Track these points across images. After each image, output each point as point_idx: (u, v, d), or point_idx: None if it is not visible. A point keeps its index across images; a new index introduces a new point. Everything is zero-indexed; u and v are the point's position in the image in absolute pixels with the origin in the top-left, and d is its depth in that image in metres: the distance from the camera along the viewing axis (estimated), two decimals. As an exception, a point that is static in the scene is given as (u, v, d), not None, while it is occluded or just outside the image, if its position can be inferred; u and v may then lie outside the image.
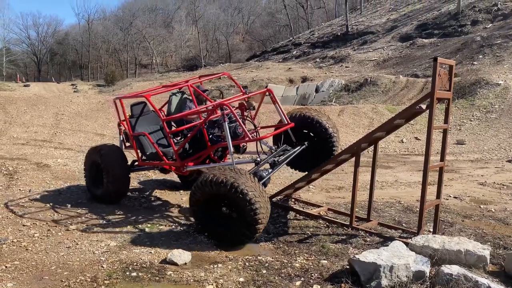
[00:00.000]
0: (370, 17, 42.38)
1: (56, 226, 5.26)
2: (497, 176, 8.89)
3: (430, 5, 38.33)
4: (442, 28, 31.06)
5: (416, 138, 14.55)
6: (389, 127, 5.12)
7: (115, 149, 6.43)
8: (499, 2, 30.34)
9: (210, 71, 37.74)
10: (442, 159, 4.88)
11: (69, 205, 6.17)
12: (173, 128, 6.18)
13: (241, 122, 5.30)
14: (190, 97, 6.34)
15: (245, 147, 5.79)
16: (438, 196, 4.87)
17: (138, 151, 6.16)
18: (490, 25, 28.50)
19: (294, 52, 40.49)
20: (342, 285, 3.61)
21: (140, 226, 5.33)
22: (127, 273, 3.95)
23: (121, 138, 6.67)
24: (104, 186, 6.16)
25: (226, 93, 19.74)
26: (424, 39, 30.26)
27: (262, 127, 5.96)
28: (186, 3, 72.32)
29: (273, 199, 6.17)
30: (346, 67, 30.41)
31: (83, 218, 5.65)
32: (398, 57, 29.28)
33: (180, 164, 5.70)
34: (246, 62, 44.15)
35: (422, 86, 21.08)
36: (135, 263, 4.17)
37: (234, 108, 5.52)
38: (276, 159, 5.33)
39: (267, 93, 5.81)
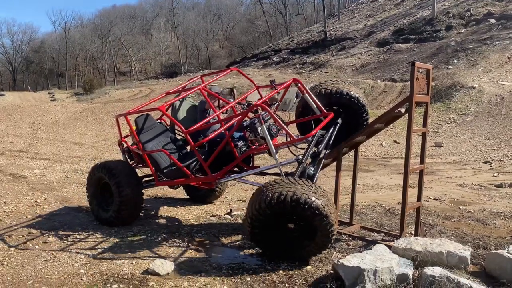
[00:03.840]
0: (348, 23, 43.02)
1: (33, 239, 5.11)
2: (475, 177, 9.08)
3: (406, 11, 39.15)
4: (418, 33, 31.73)
5: (395, 141, 14.77)
6: (369, 131, 5.17)
7: (125, 165, 5.82)
8: (472, 8, 31.20)
9: (190, 78, 37.52)
10: (422, 161, 4.95)
11: (46, 216, 6.00)
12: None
13: (281, 123, 4.76)
14: (194, 102, 6.03)
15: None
16: (419, 198, 4.93)
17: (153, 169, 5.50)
18: (464, 30, 29.26)
19: (274, 58, 40.71)
20: (327, 290, 3.59)
21: (121, 236, 5.21)
22: (108, 285, 3.85)
23: (125, 157, 6.08)
24: (114, 208, 5.48)
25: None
26: (400, 44, 30.83)
27: (289, 122, 5.50)
28: (164, 10, 72.14)
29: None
30: (325, 72, 30.70)
31: (61, 229, 5.49)
32: (376, 62, 29.74)
33: (213, 178, 5.07)
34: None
35: (400, 90, 21.45)
36: (116, 275, 4.06)
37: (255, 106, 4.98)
38: (315, 150, 4.81)
39: (293, 84, 5.23)
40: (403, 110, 4.79)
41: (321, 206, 3.91)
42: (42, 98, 37.86)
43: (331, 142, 4.95)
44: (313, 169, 4.69)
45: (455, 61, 23.81)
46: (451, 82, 19.51)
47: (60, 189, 7.77)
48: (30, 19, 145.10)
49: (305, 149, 4.87)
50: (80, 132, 16.35)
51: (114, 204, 5.47)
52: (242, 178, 5.31)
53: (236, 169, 5.41)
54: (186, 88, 6.26)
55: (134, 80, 58.56)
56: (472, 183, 8.23)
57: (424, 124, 4.94)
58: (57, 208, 6.47)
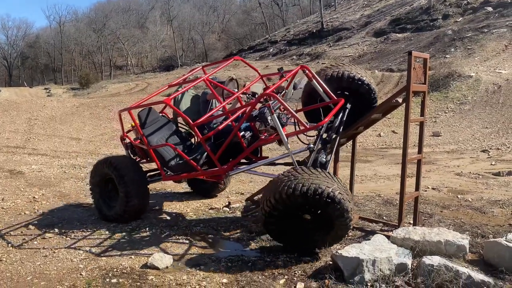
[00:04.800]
0: (345, 14, 42.81)
1: (31, 235, 5.09)
2: (473, 166, 9.09)
3: (402, 1, 38.93)
4: (415, 23, 31.61)
5: (393, 131, 14.76)
6: (367, 122, 5.15)
7: (130, 160, 5.70)
8: (469, -4, 31.08)
9: (187, 71, 37.41)
10: (420, 151, 4.94)
11: (44, 212, 5.99)
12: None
13: (292, 111, 4.57)
14: (196, 94, 5.90)
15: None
16: (417, 188, 4.93)
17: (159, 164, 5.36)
18: (461, 18, 29.16)
19: (271, 50, 40.56)
20: (326, 281, 3.60)
21: (120, 230, 5.20)
22: (107, 279, 3.85)
23: (128, 153, 5.95)
24: (120, 204, 5.35)
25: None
26: (397, 34, 30.74)
27: (298, 110, 5.23)
28: (160, 3, 71.63)
29: (255, 198, 6.14)
30: (322, 63, 30.57)
31: (59, 225, 5.48)
32: (373, 52, 29.66)
33: (223, 171, 4.96)
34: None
35: (397, 80, 21.40)
36: (115, 269, 4.06)
37: (262, 95, 4.87)
38: (326, 137, 4.68)
39: (302, 70, 5.06)
40: (400, 100, 4.77)
41: (340, 197, 3.85)
42: (38, 94, 37.71)
43: (341, 128, 4.82)
44: (325, 156, 4.56)
45: (452, 50, 23.75)
46: (449, 71, 19.47)
47: (58, 185, 7.75)
48: (25, 14, 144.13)
49: (315, 137, 4.75)
50: (77, 127, 16.28)
51: (120, 201, 5.34)
52: (252, 169, 5.16)
53: (243, 160, 5.27)
54: (188, 79, 6.10)
55: (131, 74, 58.32)
56: (470, 172, 8.25)
57: (422, 114, 4.93)
58: (55, 204, 6.45)
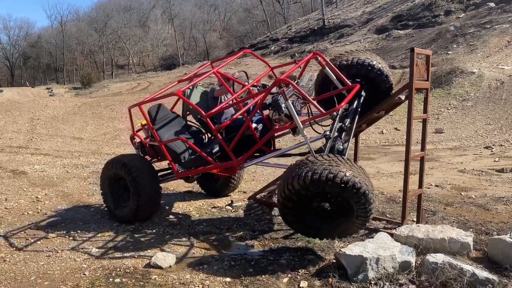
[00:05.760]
0: (346, 11, 42.65)
1: (34, 235, 5.10)
2: (476, 162, 9.05)
3: (404, -3, 38.78)
4: (417, 19, 31.47)
5: (396, 128, 14.72)
6: (369, 119, 5.13)
7: (141, 159, 5.60)
8: (471, -8, 30.92)
9: (189, 69, 37.40)
10: (423, 148, 4.92)
11: (47, 212, 6.00)
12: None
13: (308, 97, 4.47)
14: (205, 89, 5.84)
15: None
16: (420, 185, 4.91)
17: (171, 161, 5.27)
18: (463, 14, 29.00)
19: (272, 48, 40.46)
20: (329, 279, 3.59)
21: (123, 230, 5.21)
22: (110, 279, 3.85)
23: (138, 152, 5.88)
24: (132, 205, 5.26)
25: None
26: (399, 31, 30.59)
27: (311, 100, 5.02)
28: (161, 2, 71.54)
29: (257, 196, 6.13)
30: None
31: (62, 224, 5.49)
32: (374, 49, 29.53)
33: (237, 163, 4.82)
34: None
35: (399, 77, 21.32)
36: (118, 269, 4.06)
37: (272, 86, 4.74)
38: (341, 125, 4.52)
39: (315, 57, 4.89)
40: (403, 97, 4.75)
41: (361, 184, 3.69)
42: (40, 93, 37.79)
43: (357, 115, 4.69)
44: (341, 144, 4.41)
45: (455, 46, 23.63)
46: (451, 67, 19.39)
47: (61, 184, 7.76)
48: (26, 14, 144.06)
49: (330, 125, 4.62)
50: (79, 126, 16.31)
51: (132, 201, 5.25)
52: (265, 161, 5.04)
53: (256, 154, 5.15)
54: (198, 74, 6.04)
55: (132, 73, 58.33)
56: (473, 169, 8.21)
57: (425, 111, 4.90)
58: (58, 204, 6.46)
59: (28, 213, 5.99)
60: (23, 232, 5.20)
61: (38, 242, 4.87)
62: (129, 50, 65.33)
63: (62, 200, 6.64)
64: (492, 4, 27.69)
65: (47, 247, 4.69)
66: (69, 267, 4.15)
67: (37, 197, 6.79)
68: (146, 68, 63.18)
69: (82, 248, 4.64)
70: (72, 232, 5.17)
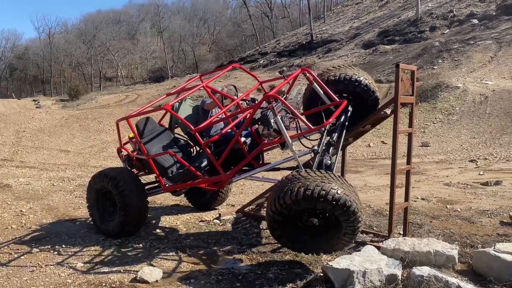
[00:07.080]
0: (334, 26, 43.35)
1: (18, 249, 5.01)
2: (461, 176, 9.18)
3: (390, 13, 39.60)
4: (403, 35, 32.11)
5: (383, 142, 14.88)
6: (356, 133, 5.19)
7: (128, 173, 5.53)
8: (455, 9, 31.71)
9: (178, 82, 37.45)
10: (409, 162, 4.98)
11: (32, 226, 5.90)
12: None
13: (297, 113, 4.52)
14: (195, 103, 5.84)
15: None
16: (407, 198, 4.96)
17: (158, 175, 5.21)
18: (448, 30, 29.69)
19: (261, 61, 40.84)
20: (317, 293, 3.59)
21: (109, 244, 5.14)
22: (96, 294, 3.80)
23: (125, 165, 5.82)
24: (119, 219, 5.18)
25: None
26: (386, 46, 31.16)
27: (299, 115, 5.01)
28: (150, 15, 71.91)
29: (245, 209, 6.12)
30: (312, 74, 30.87)
31: (47, 239, 5.40)
32: (362, 63, 29.97)
33: (226, 177, 4.81)
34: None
35: (386, 91, 21.64)
36: (104, 284, 4.00)
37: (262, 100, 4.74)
38: (329, 140, 4.57)
39: (303, 73, 4.96)
40: (388, 112, 4.83)
41: (351, 203, 3.71)
42: (27, 105, 37.38)
43: (344, 130, 4.76)
44: (330, 160, 4.46)
45: (440, 61, 24.12)
46: (436, 82, 19.76)
47: (46, 198, 7.65)
48: (13, 25, 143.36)
49: (317, 141, 4.67)
50: (66, 139, 16.15)
51: (119, 215, 5.16)
52: (254, 175, 5.03)
53: (244, 167, 5.10)
54: (186, 88, 6.04)
55: (121, 85, 58.17)
56: (459, 182, 8.32)
57: (410, 125, 4.98)
58: (43, 217, 6.36)
59: (12, 227, 5.88)
60: (6, 247, 5.10)
61: (22, 257, 4.77)
62: (118, 63, 65.22)
63: (47, 214, 6.54)
64: (475, 21, 28.43)
65: (31, 262, 4.60)
66: (53, 282, 4.08)
67: (21, 211, 6.67)
68: (134, 81, 63.06)
69: (67, 263, 4.56)
70: (57, 247, 5.08)
